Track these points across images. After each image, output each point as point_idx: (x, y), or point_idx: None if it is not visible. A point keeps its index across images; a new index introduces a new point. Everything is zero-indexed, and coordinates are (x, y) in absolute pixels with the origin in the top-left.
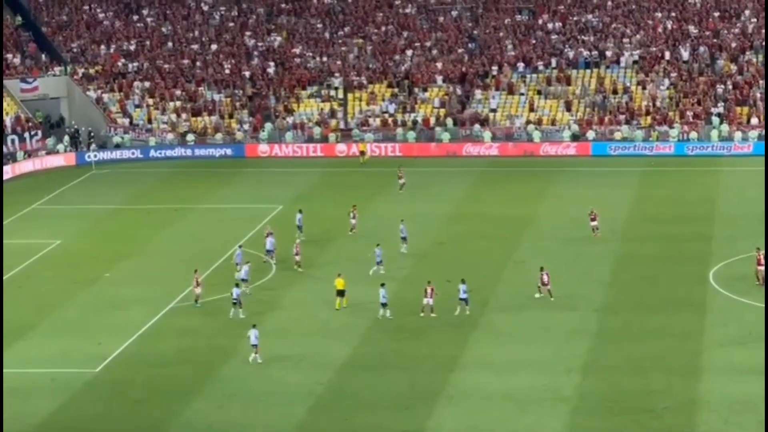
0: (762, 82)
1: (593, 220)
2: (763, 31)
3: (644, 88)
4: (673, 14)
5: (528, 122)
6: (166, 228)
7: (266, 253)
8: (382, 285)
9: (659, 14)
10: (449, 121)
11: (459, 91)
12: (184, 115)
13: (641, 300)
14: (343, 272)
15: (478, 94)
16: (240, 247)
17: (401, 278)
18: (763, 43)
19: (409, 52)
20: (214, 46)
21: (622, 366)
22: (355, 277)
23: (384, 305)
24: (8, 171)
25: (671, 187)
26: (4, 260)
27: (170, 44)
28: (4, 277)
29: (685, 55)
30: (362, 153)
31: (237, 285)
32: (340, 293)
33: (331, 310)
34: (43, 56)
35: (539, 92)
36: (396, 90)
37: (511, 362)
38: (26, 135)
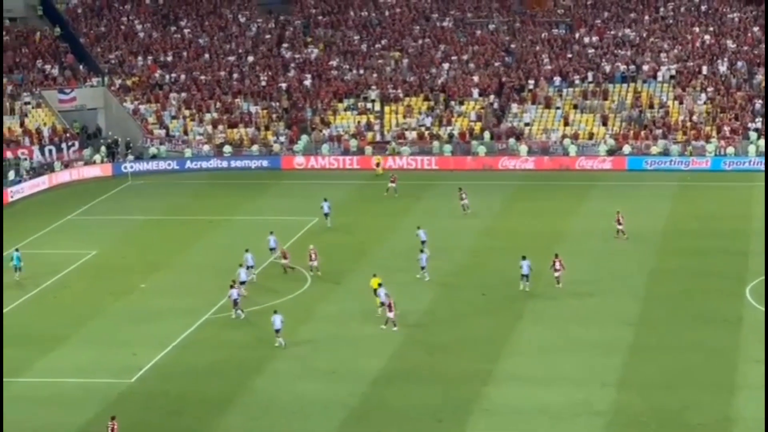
0: None
1: (619, 223)
2: None
3: (681, 102)
4: (711, 29)
5: (564, 136)
6: (201, 239)
7: (270, 251)
8: (380, 285)
9: (697, 29)
10: (486, 135)
11: (495, 105)
12: (220, 127)
13: (676, 314)
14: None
15: (514, 107)
16: (247, 250)
17: (435, 291)
18: None
19: (445, 66)
20: (250, 58)
21: (656, 381)
22: (388, 289)
23: (383, 305)
24: (45, 181)
25: (707, 202)
26: (41, 270)
27: (207, 56)
28: (39, 287)
29: (723, 69)
30: (378, 165)
31: (231, 286)
32: (376, 292)
33: (365, 322)
34: (81, 67)
35: (575, 106)
36: (432, 103)
37: (544, 376)
38: (63, 145)
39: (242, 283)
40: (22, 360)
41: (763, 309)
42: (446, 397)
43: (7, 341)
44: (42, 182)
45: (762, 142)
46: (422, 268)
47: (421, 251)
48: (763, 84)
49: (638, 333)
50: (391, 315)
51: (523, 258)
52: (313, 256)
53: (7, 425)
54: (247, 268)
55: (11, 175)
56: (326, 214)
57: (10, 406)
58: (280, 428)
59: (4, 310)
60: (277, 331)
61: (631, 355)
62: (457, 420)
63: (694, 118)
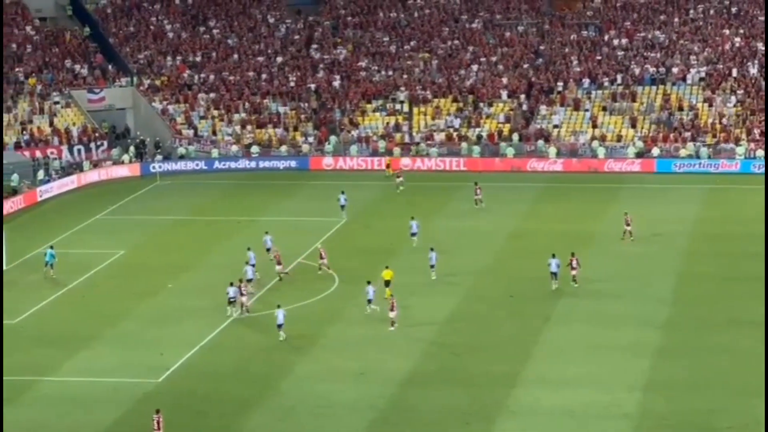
0: None
1: (627, 224)
2: None
3: (710, 105)
4: (741, 31)
5: (592, 138)
6: (229, 240)
7: (266, 251)
8: (368, 282)
9: (727, 31)
10: (514, 137)
11: (524, 107)
12: (248, 127)
13: (704, 317)
14: (405, 286)
15: (542, 109)
16: (249, 249)
17: (462, 293)
18: None
19: (474, 67)
20: (279, 59)
21: (683, 384)
22: (415, 290)
23: (369, 301)
24: (74, 181)
25: (736, 204)
26: (69, 269)
27: (236, 56)
28: (68, 287)
29: (753, 72)
30: (388, 166)
31: (232, 284)
32: (387, 284)
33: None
34: (110, 67)
35: (604, 108)
36: (461, 104)
37: (572, 378)
38: (92, 145)
39: (249, 280)
40: (51, 359)
41: None
42: (473, 399)
43: (36, 340)
44: (71, 182)
45: None
46: (432, 266)
47: (431, 249)
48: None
49: (665, 336)
50: (392, 314)
51: (553, 256)
52: (323, 254)
53: (35, 424)
54: (251, 266)
55: (41, 174)
56: (342, 207)
57: (39, 406)
58: (306, 429)
59: (33, 309)
60: (280, 325)
61: (658, 357)
62: (485, 422)
63: (724, 120)
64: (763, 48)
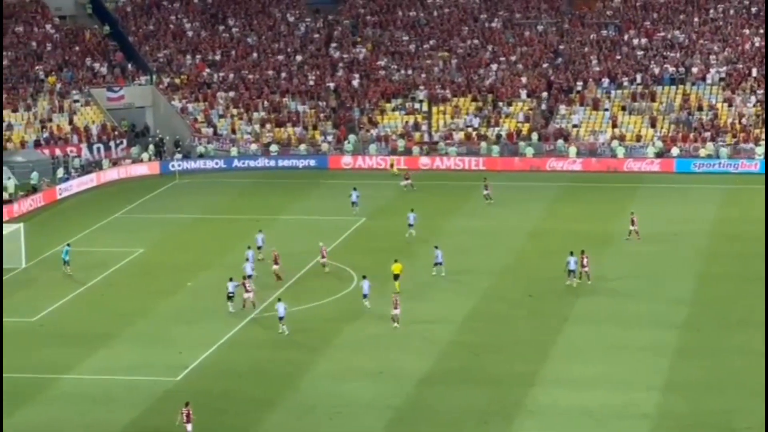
0: None
1: (632, 224)
2: None
3: (730, 105)
4: (762, 30)
5: (612, 138)
6: (248, 239)
7: (257, 248)
8: (364, 277)
9: (747, 31)
10: (533, 136)
11: (543, 106)
12: (267, 126)
13: (723, 318)
14: (423, 284)
15: (562, 109)
16: (249, 248)
17: (481, 292)
18: None
19: (493, 66)
20: (299, 57)
21: (702, 384)
22: (434, 290)
23: (365, 296)
24: (93, 179)
25: (756, 205)
26: (88, 267)
27: (255, 55)
28: (87, 285)
29: None
30: (392, 165)
31: (231, 279)
32: (396, 277)
33: (410, 323)
34: (130, 66)
35: (624, 108)
36: (480, 104)
37: (590, 378)
38: (112, 144)
39: (249, 276)
40: (70, 357)
41: None
42: (492, 398)
43: (55, 339)
44: (90, 180)
45: None
46: (437, 264)
47: (436, 247)
48: None
49: (684, 336)
50: (395, 312)
51: (571, 254)
52: (324, 253)
53: (55, 423)
54: (252, 263)
55: (60, 172)
56: (354, 203)
57: (58, 404)
58: (324, 428)
59: (51, 307)
60: (281, 318)
61: (677, 358)
62: (503, 422)
63: (744, 120)
64: None
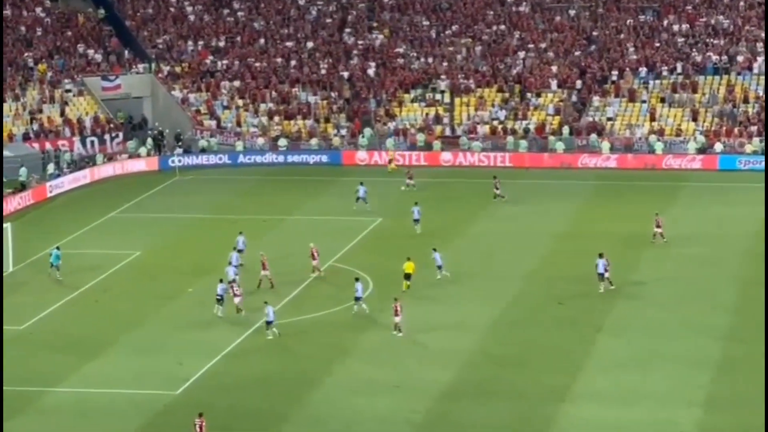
0: None
1: (657, 226)
2: None
3: None
4: None
5: (650, 132)
6: (254, 241)
7: (238, 251)
8: (356, 279)
9: None
10: (564, 130)
11: (575, 98)
12: (276, 118)
13: None
14: (445, 292)
15: (595, 100)
16: (234, 248)
17: (507, 299)
18: None
19: (521, 54)
20: (310, 44)
21: (747, 399)
22: (456, 296)
23: (357, 299)
24: (86, 175)
25: None
26: (81, 271)
27: (262, 41)
28: (80, 290)
29: None
30: (390, 161)
31: (221, 281)
32: (407, 276)
33: (431, 332)
34: (126, 52)
35: (663, 100)
36: (507, 95)
37: (626, 393)
38: (106, 137)
39: (232, 281)
40: (62, 368)
41: None
42: (519, 414)
43: (46, 347)
44: (83, 176)
45: None
46: (438, 267)
47: (434, 250)
48: None
49: (727, 347)
50: (396, 319)
51: (600, 256)
52: (315, 254)
53: None
54: (235, 267)
55: (50, 168)
56: (359, 198)
57: (48, 418)
58: None
59: (42, 314)
60: (269, 323)
61: (720, 371)
62: None
63: None
64: None
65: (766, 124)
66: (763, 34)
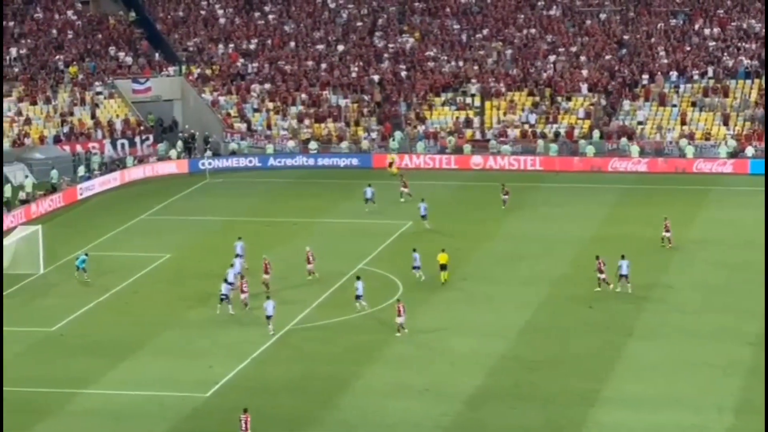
0: None
1: (666, 230)
2: None
3: None
4: None
5: (680, 136)
6: (284, 244)
7: (236, 257)
8: (358, 278)
9: None
10: (595, 134)
11: (605, 101)
12: (306, 121)
13: None
14: (475, 296)
15: (626, 104)
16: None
17: (537, 303)
18: None
19: (552, 58)
20: (340, 47)
21: None
22: (486, 300)
23: (358, 297)
24: (117, 178)
25: None
26: (111, 273)
27: (293, 44)
28: (110, 292)
29: None
30: (391, 164)
31: (225, 280)
32: (443, 267)
33: (461, 335)
34: (157, 55)
35: (693, 104)
36: (537, 99)
37: (656, 398)
38: (137, 139)
39: (230, 283)
40: (92, 370)
41: None
42: (548, 418)
43: (76, 349)
44: (113, 179)
45: None
46: (414, 267)
47: (414, 250)
48: None
49: (759, 353)
50: (399, 320)
51: (622, 257)
52: (311, 258)
53: None
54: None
55: (81, 170)
56: (367, 200)
57: (80, 420)
58: None
59: (72, 316)
60: (269, 317)
61: (751, 376)
62: None
63: None
64: None
65: (766, 124)
66: None
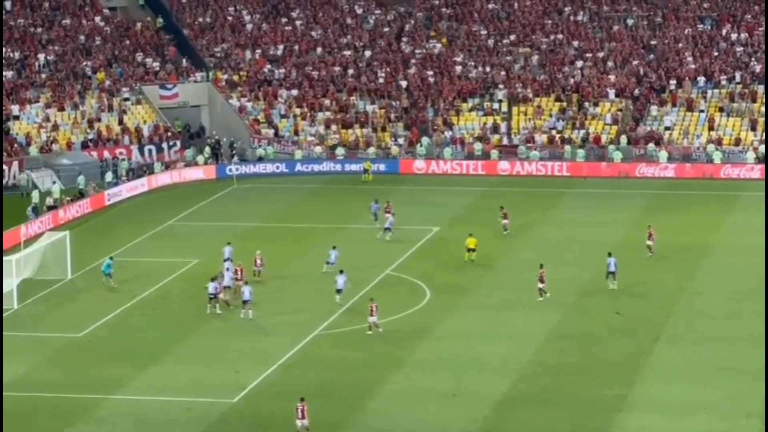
0: None
1: (650, 239)
2: None
3: None
4: None
5: (708, 142)
6: (312, 249)
7: (224, 261)
8: (341, 272)
9: None
10: (622, 139)
11: (633, 107)
12: (333, 127)
13: None
14: (503, 302)
15: (653, 110)
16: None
17: (564, 309)
18: None
19: (579, 63)
20: (368, 53)
21: None
22: (513, 305)
23: (339, 291)
24: (144, 184)
25: None
26: (138, 279)
27: (320, 50)
28: (137, 298)
29: None
30: (366, 171)
31: (213, 279)
32: (471, 250)
33: (489, 341)
34: (184, 61)
35: (721, 109)
36: (564, 104)
37: (684, 403)
38: (164, 145)
39: (227, 287)
40: (119, 376)
41: None
42: (575, 424)
43: (103, 355)
44: (141, 184)
45: None
46: (328, 263)
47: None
48: None
49: None
50: (371, 319)
51: (609, 255)
52: (258, 261)
53: None
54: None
55: (108, 176)
56: (375, 215)
57: (107, 426)
58: None
59: (99, 322)
60: (245, 302)
61: None
62: None
63: None
64: None
65: (766, 125)
66: None
